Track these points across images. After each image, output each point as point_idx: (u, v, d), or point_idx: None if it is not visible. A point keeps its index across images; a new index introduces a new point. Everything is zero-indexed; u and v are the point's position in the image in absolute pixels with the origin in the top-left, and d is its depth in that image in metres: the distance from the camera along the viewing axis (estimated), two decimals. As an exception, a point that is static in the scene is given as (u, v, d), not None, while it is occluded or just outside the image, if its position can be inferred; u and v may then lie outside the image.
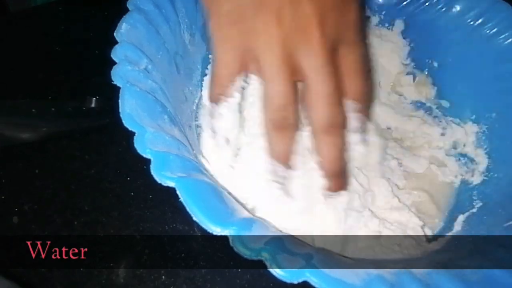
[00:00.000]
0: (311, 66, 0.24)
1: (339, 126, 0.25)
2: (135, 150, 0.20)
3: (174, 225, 0.30)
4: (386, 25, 0.40)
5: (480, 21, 0.34)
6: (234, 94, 0.26)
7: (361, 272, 0.19)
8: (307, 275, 0.17)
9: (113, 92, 0.22)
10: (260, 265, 0.18)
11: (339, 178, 0.26)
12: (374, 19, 0.40)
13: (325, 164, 0.26)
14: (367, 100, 0.28)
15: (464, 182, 0.32)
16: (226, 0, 0.25)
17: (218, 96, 0.27)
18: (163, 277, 0.28)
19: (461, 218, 0.29)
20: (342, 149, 0.26)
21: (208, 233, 0.18)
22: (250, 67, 0.26)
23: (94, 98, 0.35)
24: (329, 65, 0.24)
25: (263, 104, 0.25)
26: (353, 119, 0.26)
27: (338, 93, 0.25)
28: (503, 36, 0.33)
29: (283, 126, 0.25)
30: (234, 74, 0.26)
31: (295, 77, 0.25)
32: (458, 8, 0.35)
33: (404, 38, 0.39)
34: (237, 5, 0.24)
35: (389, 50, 0.39)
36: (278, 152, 0.26)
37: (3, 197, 0.31)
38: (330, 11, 0.24)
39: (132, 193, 0.32)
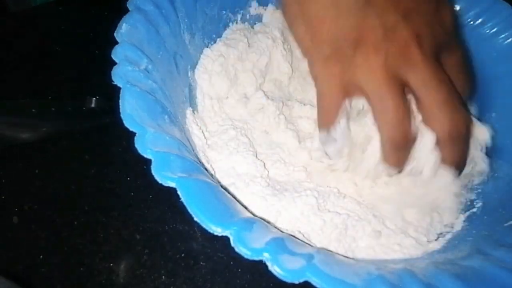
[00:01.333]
0: (419, 80, 0.24)
1: (463, 131, 0.25)
2: (135, 150, 0.20)
3: (174, 225, 0.30)
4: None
5: (479, 20, 0.34)
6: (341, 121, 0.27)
7: (362, 272, 0.19)
8: (308, 275, 0.17)
9: (113, 92, 0.22)
10: (260, 265, 0.18)
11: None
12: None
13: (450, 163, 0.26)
14: (471, 93, 0.29)
15: (464, 182, 0.32)
16: (326, 45, 0.26)
17: (327, 125, 0.27)
18: (163, 277, 0.28)
19: (461, 218, 0.29)
20: (467, 154, 0.27)
21: (208, 233, 0.18)
22: (356, 94, 0.26)
23: (94, 98, 0.35)
24: (437, 74, 0.24)
25: (379, 124, 0.25)
26: None
27: (455, 98, 0.25)
28: (502, 35, 0.33)
29: (403, 146, 0.25)
30: (339, 106, 0.26)
31: (404, 93, 0.25)
32: (457, 7, 0.35)
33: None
34: (336, 47, 0.25)
35: None
36: (394, 166, 0.26)
37: (3, 197, 0.31)
38: (425, 26, 0.25)
39: (132, 193, 0.32)
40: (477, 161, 0.28)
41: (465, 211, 0.30)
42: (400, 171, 0.27)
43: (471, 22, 0.35)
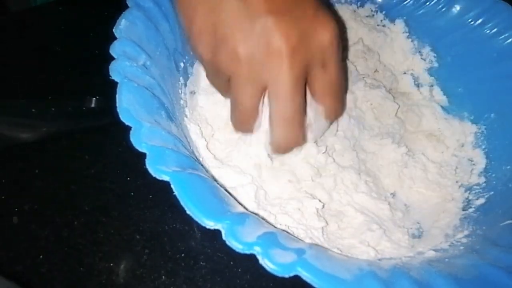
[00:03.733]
0: (273, 91, 0.24)
1: (291, 147, 0.27)
2: (135, 150, 0.20)
3: (174, 225, 0.30)
4: (387, 25, 0.40)
5: (480, 21, 0.34)
6: None
7: (353, 267, 0.19)
8: (298, 269, 0.17)
9: (114, 92, 0.22)
10: (260, 265, 0.18)
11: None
12: (376, 18, 0.40)
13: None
14: (336, 118, 0.29)
15: (461, 182, 0.32)
16: (200, 40, 0.25)
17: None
18: (163, 277, 0.28)
19: (457, 217, 0.29)
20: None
21: (209, 233, 0.18)
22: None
23: (94, 98, 0.35)
24: (293, 91, 0.24)
25: (231, 109, 0.27)
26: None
27: (298, 117, 0.25)
28: (503, 36, 0.33)
29: (243, 125, 0.27)
30: (227, 91, 0.27)
31: (263, 91, 0.25)
32: (458, 8, 0.35)
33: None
34: (210, 43, 0.25)
35: (392, 48, 0.39)
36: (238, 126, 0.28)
37: (3, 197, 0.31)
38: (298, 36, 0.24)
39: (132, 193, 0.32)
40: None
41: (462, 211, 0.30)
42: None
43: (472, 23, 0.35)
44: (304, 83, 0.25)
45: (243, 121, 0.27)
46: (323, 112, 0.27)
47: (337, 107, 0.28)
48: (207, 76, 0.28)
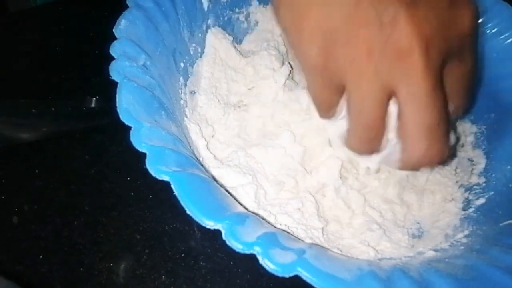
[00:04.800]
0: (410, 94, 0.21)
1: (434, 164, 0.23)
2: (135, 150, 0.20)
3: (174, 225, 0.30)
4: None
5: (480, 21, 0.34)
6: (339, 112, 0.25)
7: (354, 267, 0.19)
8: (299, 269, 0.17)
9: (113, 92, 0.22)
10: (260, 265, 0.18)
11: None
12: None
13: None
14: (464, 114, 0.26)
15: (461, 182, 0.32)
16: (313, 40, 0.22)
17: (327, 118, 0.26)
18: (163, 277, 0.28)
19: (457, 217, 0.29)
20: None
21: (209, 233, 0.18)
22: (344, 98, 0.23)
23: (94, 98, 0.35)
24: (434, 92, 0.20)
25: (351, 125, 0.23)
26: None
27: (442, 125, 0.21)
28: (503, 36, 0.33)
29: (369, 142, 0.24)
30: (332, 107, 0.24)
31: (389, 99, 0.22)
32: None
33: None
34: (324, 44, 0.21)
35: None
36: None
37: (3, 197, 0.31)
38: (434, 25, 0.20)
39: (132, 193, 0.32)
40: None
41: (462, 211, 0.30)
42: None
43: (471, 23, 0.35)
44: (442, 79, 0.21)
45: (369, 138, 0.23)
46: (452, 108, 0.23)
47: (469, 102, 0.24)
48: (311, 87, 0.24)
